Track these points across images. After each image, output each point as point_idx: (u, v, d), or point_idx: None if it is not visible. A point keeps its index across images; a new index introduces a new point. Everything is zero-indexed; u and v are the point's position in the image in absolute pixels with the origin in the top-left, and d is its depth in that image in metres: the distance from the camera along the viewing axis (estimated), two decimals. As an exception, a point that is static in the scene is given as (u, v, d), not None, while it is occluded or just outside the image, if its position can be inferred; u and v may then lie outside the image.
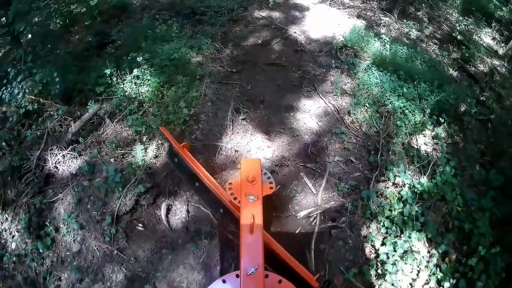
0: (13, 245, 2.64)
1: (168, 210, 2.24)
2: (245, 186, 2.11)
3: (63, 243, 2.44)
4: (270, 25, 3.79)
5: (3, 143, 3.01)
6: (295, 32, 3.69)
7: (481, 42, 4.36)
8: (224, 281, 1.77)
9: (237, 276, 1.75)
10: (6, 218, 2.70)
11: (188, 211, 2.26)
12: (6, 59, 3.60)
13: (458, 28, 4.48)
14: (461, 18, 4.69)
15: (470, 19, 4.63)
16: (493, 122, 3.43)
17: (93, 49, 3.75)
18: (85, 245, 2.26)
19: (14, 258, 2.57)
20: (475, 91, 3.76)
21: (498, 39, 4.77)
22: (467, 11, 4.78)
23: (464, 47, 4.26)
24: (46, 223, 2.54)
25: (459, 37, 4.31)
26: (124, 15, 4.06)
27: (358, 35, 3.46)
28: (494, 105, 3.66)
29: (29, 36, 3.04)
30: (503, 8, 5.00)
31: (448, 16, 4.71)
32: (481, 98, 3.70)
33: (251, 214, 1.93)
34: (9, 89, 2.95)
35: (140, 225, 2.19)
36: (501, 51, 4.38)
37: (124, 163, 2.48)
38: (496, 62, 4.23)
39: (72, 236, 2.30)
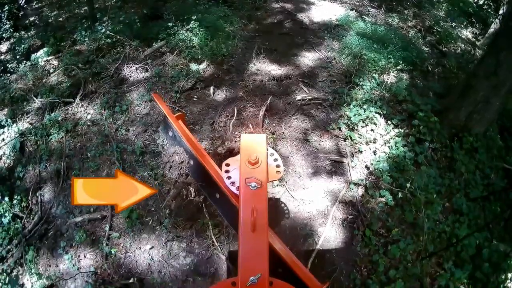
0: (88, 117, 4.41)
1: (214, 92, 3.89)
2: (246, 169, 1.86)
3: (134, 110, 4.41)
4: (284, 11, 6.31)
5: (80, 64, 5.02)
6: (301, 17, 6.16)
7: (459, 34, 6.87)
8: None
9: (233, 284, 1.57)
10: (82, 105, 4.62)
11: (226, 94, 4.19)
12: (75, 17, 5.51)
13: (441, 24, 7.06)
14: (444, 16, 7.27)
15: (453, 18, 7.18)
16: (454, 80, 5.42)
17: (148, 17, 6.21)
18: (153, 109, 3.85)
19: (89, 123, 4.34)
20: (442, 61, 5.91)
21: (478, 33, 7.27)
22: (453, 13, 7.41)
23: (439, 34, 6.63)
24: (122, 100, 4.34)
25: (438, 29, 6.88)
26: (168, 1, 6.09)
27: (348, 19, 6.26)
28: (458, 71, 5.65)
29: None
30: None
31: (433, 16, 7.35)
32: (447, 65, 5.81)
33: (253, 206, 1.70)
34: (83, 32, 5.22)
35: (195, 97, 4.27)
36: (478, 43, 6.82)
37: (183, 72, 4.68)
38: (469, 48, 6.60)
39: (143, 105, 3.89)
